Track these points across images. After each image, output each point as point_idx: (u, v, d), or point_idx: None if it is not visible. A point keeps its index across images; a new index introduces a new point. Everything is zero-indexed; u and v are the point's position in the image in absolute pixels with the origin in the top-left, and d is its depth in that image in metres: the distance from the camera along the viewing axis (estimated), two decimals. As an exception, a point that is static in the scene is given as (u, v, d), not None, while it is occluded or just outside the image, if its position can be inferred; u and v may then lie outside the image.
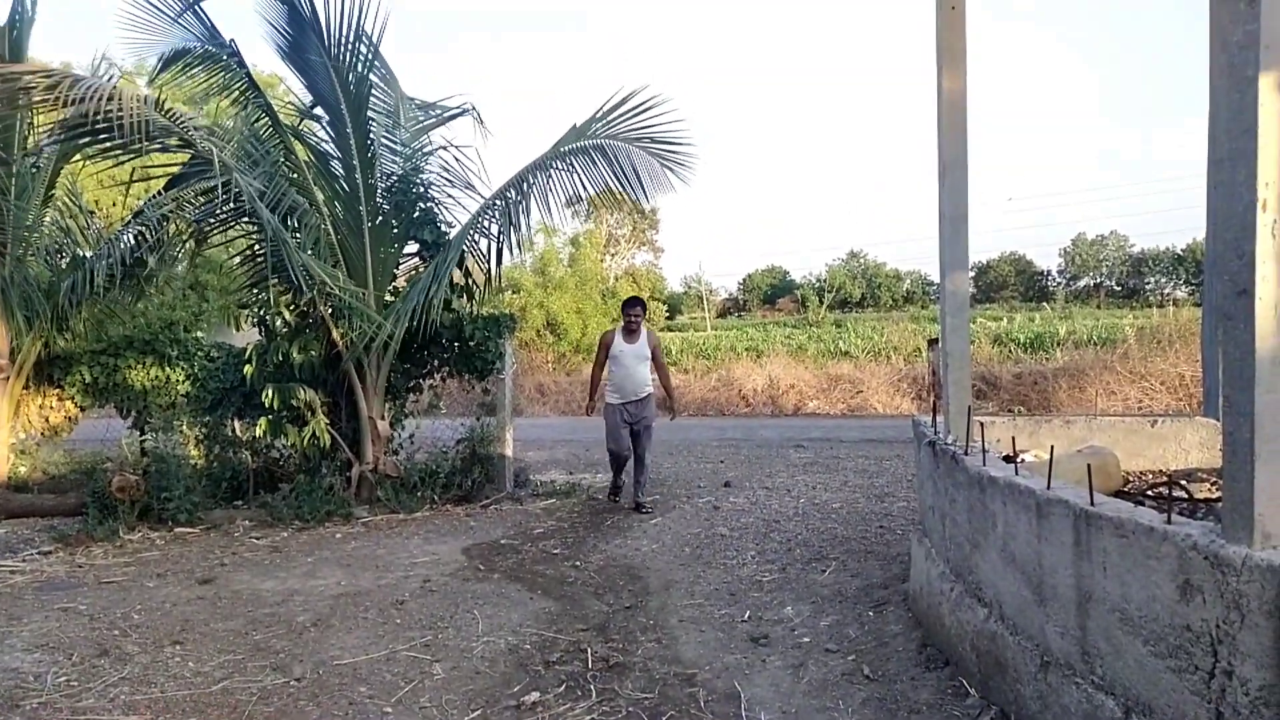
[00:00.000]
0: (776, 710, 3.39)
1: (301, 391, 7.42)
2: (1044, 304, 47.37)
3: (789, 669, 3.80)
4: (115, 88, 6.30)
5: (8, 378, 8.00)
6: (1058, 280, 67.71)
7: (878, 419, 15.83)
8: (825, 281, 64.17)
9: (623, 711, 3.44)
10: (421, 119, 8.64)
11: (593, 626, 4.48)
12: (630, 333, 7.39)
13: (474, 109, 8.37)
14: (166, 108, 6.70)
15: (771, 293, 68.91)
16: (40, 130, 7.72)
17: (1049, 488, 2.80)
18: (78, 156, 8.51)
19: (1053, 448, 3.19)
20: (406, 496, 7.68)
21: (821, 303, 54.73)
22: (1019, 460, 3.45)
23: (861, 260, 68.15)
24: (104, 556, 6.16)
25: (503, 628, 4.46)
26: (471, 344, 8.24)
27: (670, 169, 7.91)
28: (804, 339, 26.88)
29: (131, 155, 6.86)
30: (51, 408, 8.51)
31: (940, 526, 3.95)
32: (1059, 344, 21.06)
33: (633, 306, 7.54)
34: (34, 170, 8.16)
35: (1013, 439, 4.10)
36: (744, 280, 72.40)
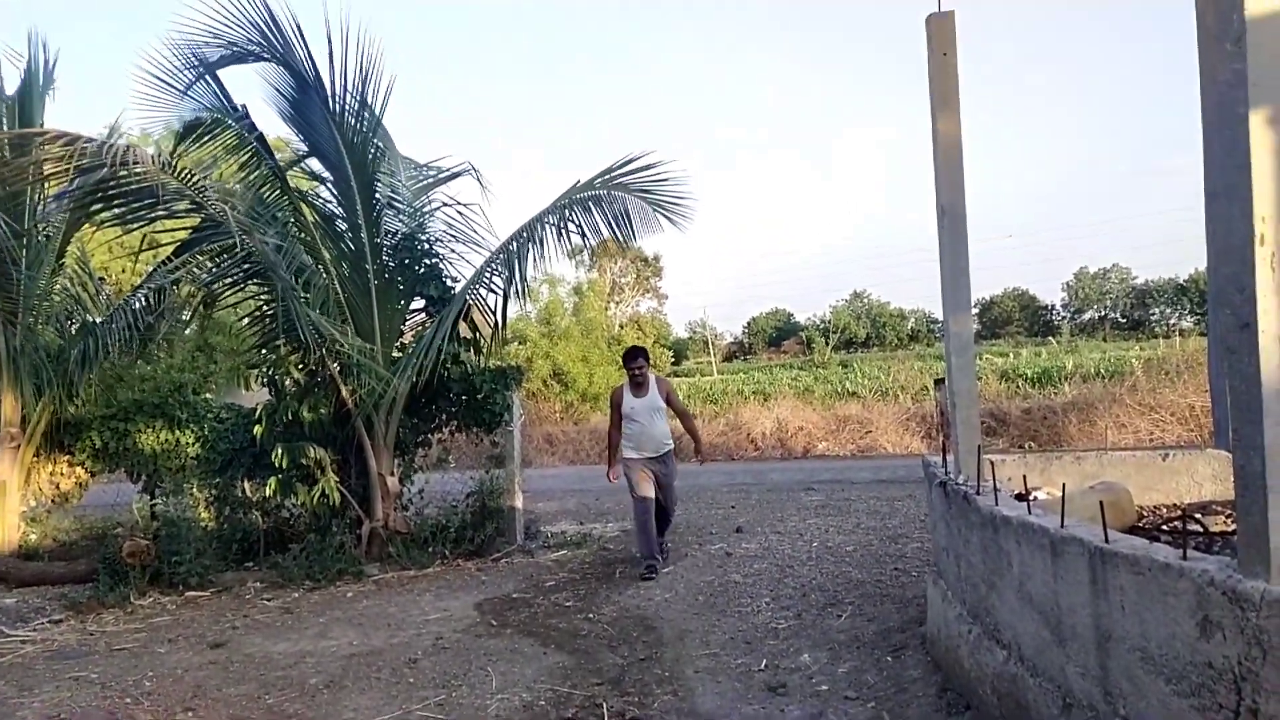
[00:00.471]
0: (797, 761, 3.33)
1: (311, 450, 7.44)
2: (1049, 338, 47.36)
3: (809, 718, 3.74)
4: (132, 148, 6.42)
5: (19, 446, 8.04)
6: (1062, 314, 67.77)
7: (888, 459, 15.74)
8: (830, 322, 64.33)
9: (641, 767, 3.39)
10: (421, 177, 8.79)
11: (607, 680, 4.43)
12: (638, 386, 6.94)
13: (473, 168, 8.53)
14: (179, 171, 6.82)
15: (776, 335, 69.02)
16: (50, 198, 7.86)
17: (1063, 526, 2.79)
18: (87, 225, 8.66)
19: (1064, 485, 3.18)
20: (417, 552, 7.64)
21: (827, 343, 54.82)
22: (1031, 498, 3.44)
23: (865, 300, 68.40)
24: (115, 623, 6.13)
25: (517, 684, 4.41)
26: (479, 397, 8.27)
27: (672, 220, 8.03)
28: (810, 380, 26.91)
29: (143, 221, 6.98)
30: (62, 474, 8.54)
31: (955, 567, 3.91)
32: (1066, 378, 21.00)
33: (633, 359, 7.02)
34: (45, 239, 8.28)
35: (1024, 477, 4.08)
36: (748, 324, 72.62)
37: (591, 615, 5.75)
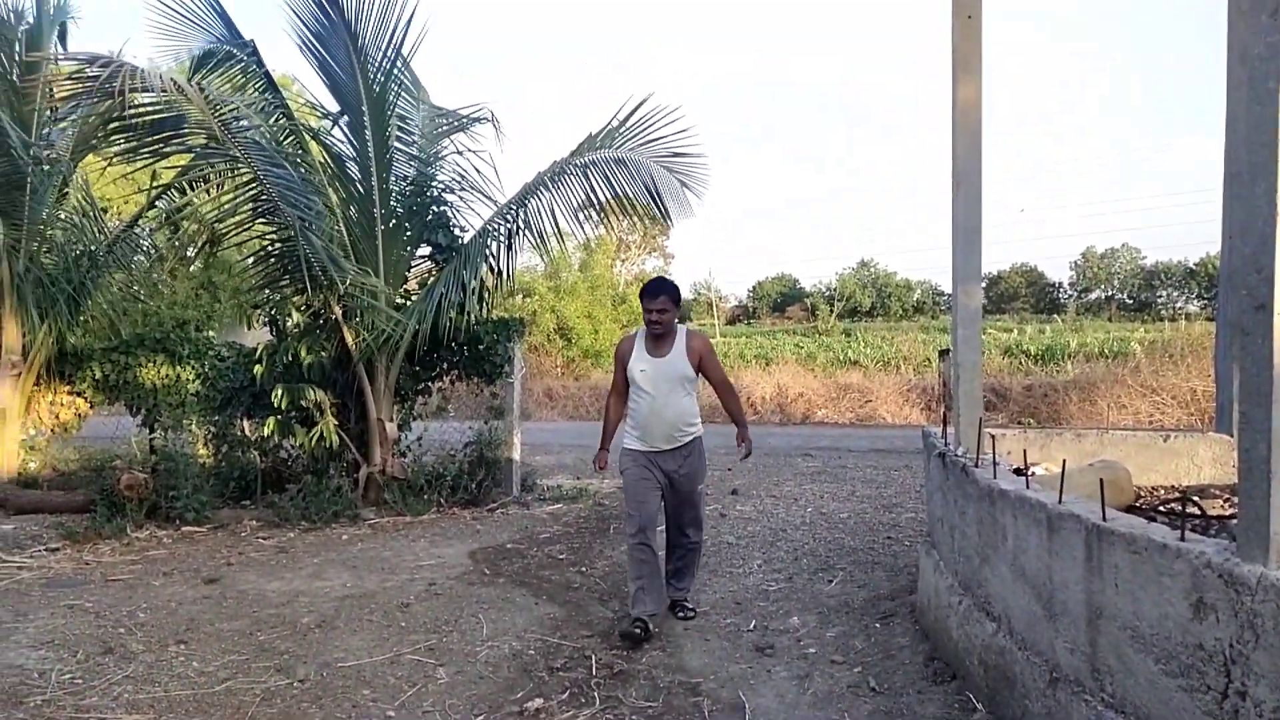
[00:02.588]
0: (781, 721, 3.36)
1: (311, 392, 7.43)
2: (1055, 316, 47.17)
3: (794, 680, 3.77)
4: (153, 71, 6.24)
5: (20, 374, 8.04)
6: (1069, 292, 67.44)
7: (886, 429, 15.76)
8: (835, 290, 64.05)
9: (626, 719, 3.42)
10: (438, 122, 8.65)
11: (597, 633, 4.46)
12: (657, 340, 4.62)
13: (492, 115, 8.38)
14: (200, 98, 6.64)
15: (781, 300, 68.77)
16: (62, 115, 7.75)
17: (1060, 502, 2.78)
18: (93, 156, 8.57)
19: (1064, 461, 3.16)
20: (414, 499, 7.67)
21: (831, 311, 54.64)
22: (1030, 473, 3.42)
23: (872, 269, 67.97)
24: (111, 554, 6.17)
25: (507, 633, 4.44)
26: (481, 347, 8.25)
27: (685, 185, 7.94)
28: (813, 347, 26.86)
29: (155, 156, 6.87)
30: (62, 404, 8.55)
31: (949, 539, 3.92)
32: (1070, 356, 20.96)
33: (655, 295, 4.56)
34: (49, 167, 8.20)
35: (1024, 452, 4.07)
36: (754, 288, 72.30)
37: (584, 569, 5.78)
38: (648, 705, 3.54)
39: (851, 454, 11.59)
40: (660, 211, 8.19)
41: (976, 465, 3.60)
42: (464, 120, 8.59)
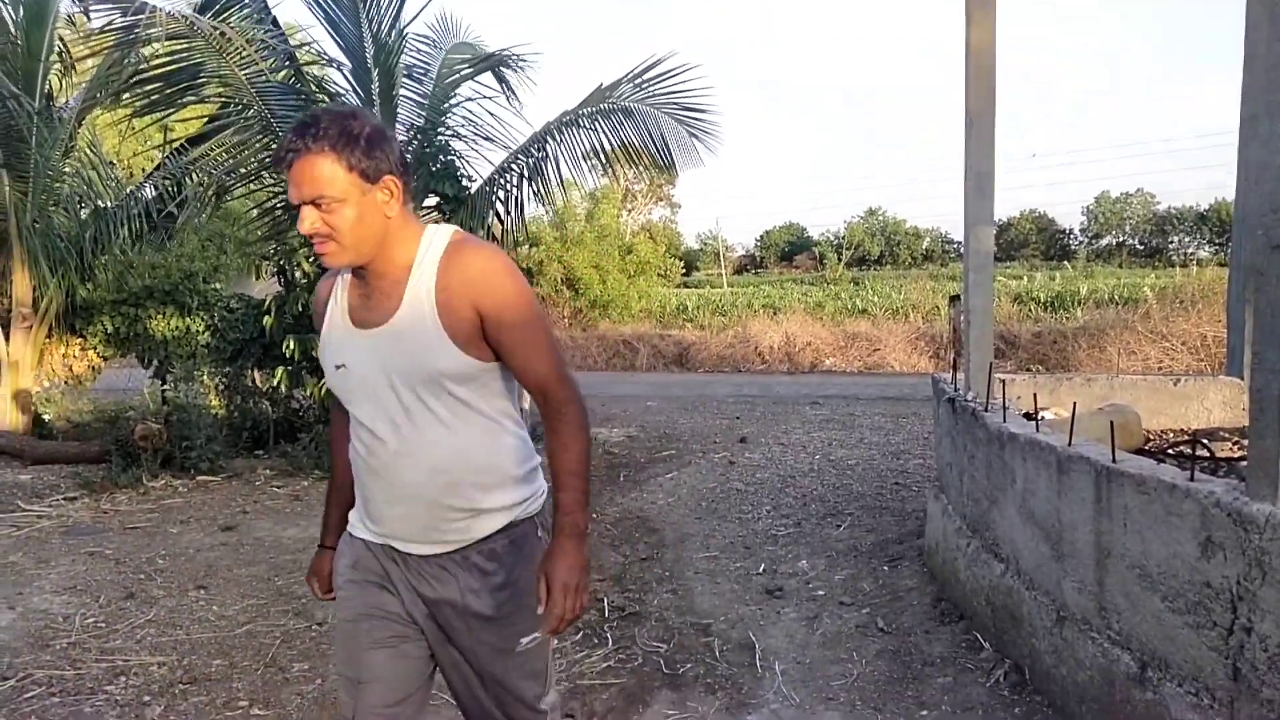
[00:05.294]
0: (791, 661, 3.43)
1: (320, 343, 7.46)
2: (1065, 263, 46.83)
3: (803, 621, 3.83)
4: (178, 12, 6.15)
5: (31, 326, 8.08)
6: (1080, 239, 66.81)
7: (895, 377, 15.77)
8: (843, 239, 63.59)
9: (639, 659, 3.49)
10: (460, 68, 8.44)
11: (609, 577, 4.53)
12: (369, 285, 1.70)
13: (514, 57, 8.18)
14: (216, 43, 6.53)
15: (789, 249, 68.32)
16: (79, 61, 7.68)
17: (1070, 444, 2.79)
18: (102, 110, 8.50)
19: (1075, 405, 3.17)
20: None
21: (839, 260, 54.34)
22: (1039, 418, 3.43)
23: (880, 217, 67.35)
24: (128, 503, 6.26)
25: (520, 577, 4.51)
26: (490, 297, 8.23)
27: (696, 137, 7.84)
28: (821, 296, 26.72)
29: (172, 107, 6.79)
30: (75, 356, 8.61)
31: (958, 483, 3.94)
32: (1079, 303, 20.82)
33: (300, 152, 1.55)
34: (57, 119, 8.14)
35: (1034, 396, 4.07)
36: (761, 237, 71.82)
37: (595, 514, 5.84)
38: (660, 645, 3.61)
39: (860, 402, 11.61)
40: (666, 163, 8.09)
41: (986, 409, 3.61)
42: (492, 57, 8.30)
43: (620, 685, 3.28)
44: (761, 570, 4.55)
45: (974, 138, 3.96)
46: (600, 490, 6.60)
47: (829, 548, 4.88)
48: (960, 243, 4.15)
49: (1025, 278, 30.83)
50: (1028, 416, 3.56)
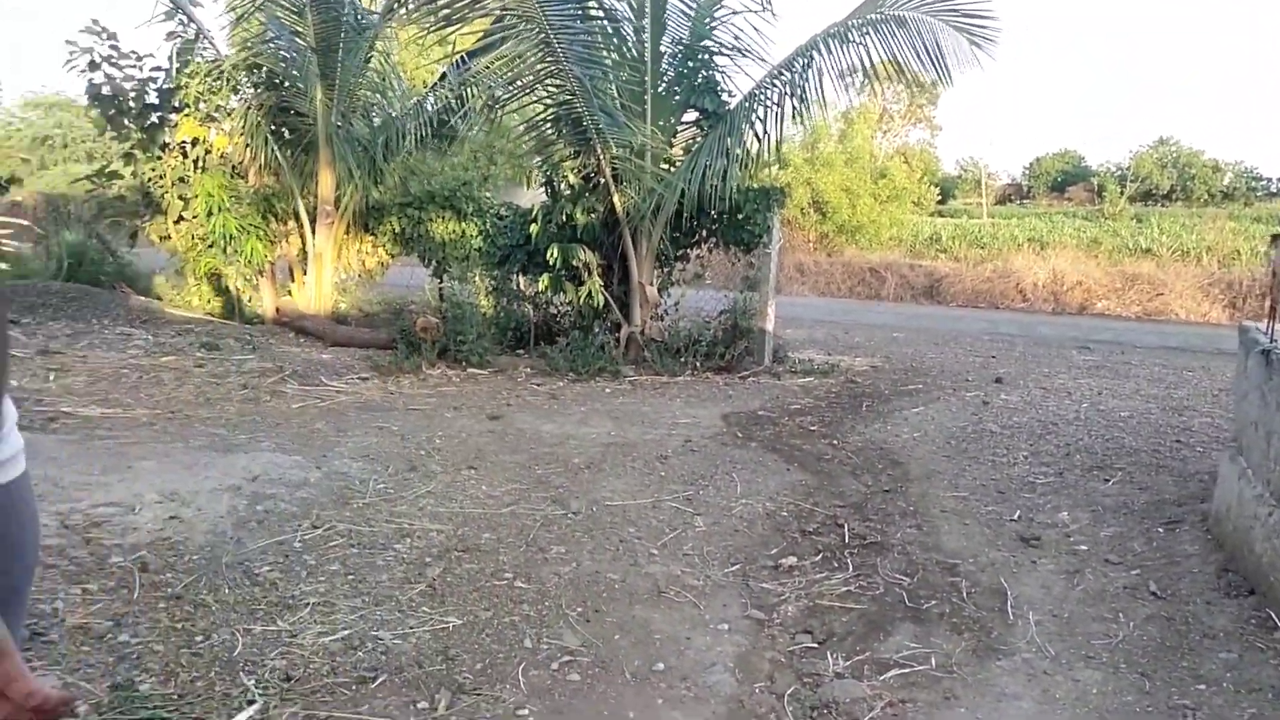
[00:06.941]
0: (1046, 613, 3.25)
1: (581, 252, 7.81)
2: None
3: (1062, 574, 3.61)
4: None
5: (332, 223, 9.05)
6: None
7: (1180, 325, 14.17)
8: (1128, 170, 57.05)
9: (880, 588, 3.45)
10: None
11: (849, 504, 4.49)
12: None
13: None
14: None
15: (1062, 180, 62.24)
16: None
17: None
18: (395, 24, 9.20)
19: None
20: (670, 360, 7.96)
21: (1121, 193, 48.92)
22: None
23: (1172, 147, 59.59)
24: (410, 387, 6.96)
25: (759, 493, 4.57)
26: (740, 216, 8.22)
27: (976, 44, 7.26)
28: (1097, 232, 24.23)
29: (460, 22, 7.23)
30: (367, 252, 9.59)
31: (1264, 444, 3.50)
32: None
33: None
34: (358, 30, 8.89)
35: (1373, 357, 3.50)
36: (1030, 165, 65.94)
37: (835, 441, 5.78)
38: (902, 578, 3.54)
39: (1137, 350, 10.54)
40: (939, 76, 7.56)
41: (1314, 367, 3.15)
42: None
43: (860, 611, 3.27)
44: (1016, 517, 4.32)
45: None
46: (841, 418, 6.50)
47: (1094, 502, 4.53)
48: (1271, 180, 3.56)
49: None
50: (1369, 379, 3.07)
